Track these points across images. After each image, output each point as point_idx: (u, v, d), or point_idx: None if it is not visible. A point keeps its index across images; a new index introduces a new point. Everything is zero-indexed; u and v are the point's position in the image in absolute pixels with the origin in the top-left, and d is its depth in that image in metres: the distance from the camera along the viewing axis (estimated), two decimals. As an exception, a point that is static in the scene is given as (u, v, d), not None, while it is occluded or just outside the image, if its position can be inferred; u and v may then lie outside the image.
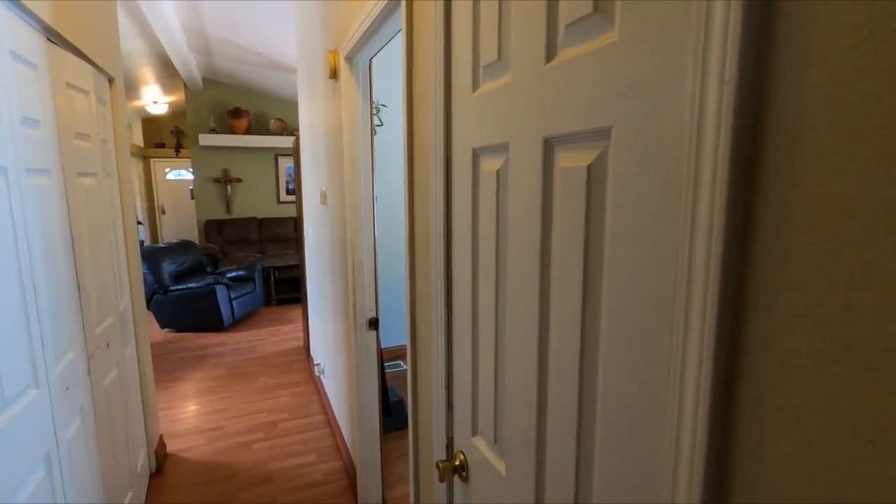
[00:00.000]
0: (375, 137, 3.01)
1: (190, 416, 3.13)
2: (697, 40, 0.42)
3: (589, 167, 0.59)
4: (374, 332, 2.05)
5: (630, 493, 0.56)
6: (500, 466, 0.86)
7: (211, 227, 6.75)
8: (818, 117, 0.35)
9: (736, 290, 0.42)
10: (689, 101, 0.44)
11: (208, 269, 5.33)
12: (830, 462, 0.35)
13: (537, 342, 0.72)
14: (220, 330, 4.79)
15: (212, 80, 6.52)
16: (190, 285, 4.65)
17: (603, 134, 0.56)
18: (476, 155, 0.88)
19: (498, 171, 0.80)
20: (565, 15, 0.62)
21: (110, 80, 2.14)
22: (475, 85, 0.86)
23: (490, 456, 0.90)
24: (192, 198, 7.39)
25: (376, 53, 1.80)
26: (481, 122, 0.84)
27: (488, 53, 0.80)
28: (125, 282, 2.19)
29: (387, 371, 2.99)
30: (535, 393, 0.73)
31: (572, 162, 0.62)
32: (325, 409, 3.12)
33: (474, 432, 0.97)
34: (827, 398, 0.35)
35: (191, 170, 7.04)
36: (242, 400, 3.34)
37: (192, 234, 7.50)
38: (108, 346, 1.84)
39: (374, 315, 2.02)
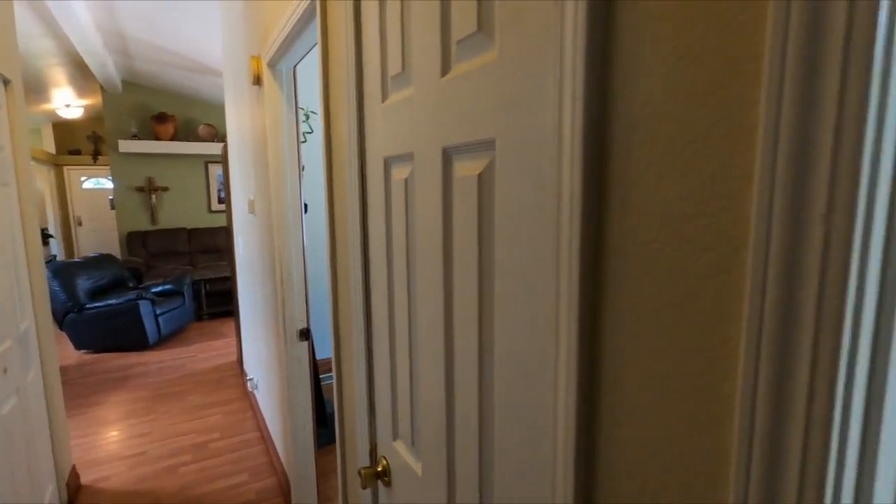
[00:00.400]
0: (306, 144, 2.96)
1: (109, 442, 2.91)
2: (555, 62, 0.47)
3: (479, 176, 0.63)
4: (306, 342, 2.01)
5: (524, 485, 0.59)
6: (418, 468, 0.88)
7: (134, 240, 6.33)
8: (645, 132, 0.40)
9: (594, 283, 0.46)
10: (552, 116, 0.48)
11: (130, 284, 4.99)
12: (654, 385, 0.40)
13: (444, 343, 0.74)
14: (145, 348, 4.49)
15: (132, 83, 6.14)
16: (109, 302, 4.33)
17: (490, 145, 0.60)
18: (387, 164, 0.90)
19: (406, 180, 0.83)
20: (457, 31, 0.65)
21: (5, 82, 1.97)
22: (384, 95, 0.88)
23: (409, 458, 0.92)
24: (113, 208, 6.90)
25: (300, 60, 1.78)
26: (390, 132, 0.87)
27: (394, 65, 0.83)
28: (27, 301, 2.02)
29: (323, 382, 2.93)
30: (443, 393, 0.76)
31: (467, 171, 0.66)
32: (260, 425, 3.01)
33: (395, 436, 0.98)
34: (650, 351, 0.40)
35: (110, 178, 6.57)
36: (169, 421, 3.15)
37: (113, 248, 6.99)
38: (4, 371, 1.69)
39: (304, 325, 1.99)
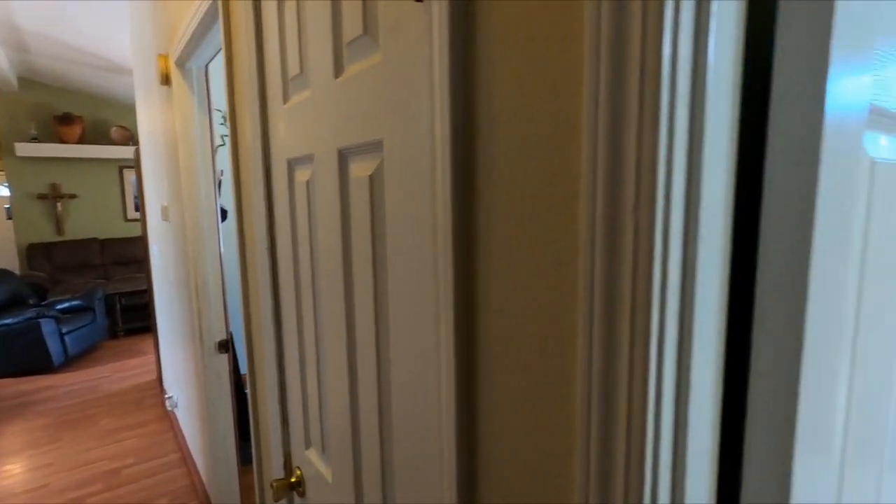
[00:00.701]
0: (225, 148, 2.83)
1: (2, 478, 2.61)
2: (427, 66, 0.48)
3: (370, 177, 0.63)
4: (226, 355, 1.91)
5: (419, 480, 0.60)
6: (329, 474, 0.87)
7: (36, 252, 5.75)
8: (504, 133, 0.42)
9: (467, 281, 0.48)
10: (426, 118, 0.49)
11: (31, 301, 4.53)
12: (520, 372, 0.42)
13: (346, 347, 0.74)
14: (50, 371, 4.09)
15: (31, 81, 5.59)
16: (5, 321, 3.90)
17: (379, 146, 0.61)
18: (291, 166, 0.88)
19: (307, 182, 0.82)
20: (346, 33, 0.65)
21: None
22: (286, 96, 0.87)
23: (321, 466, 0.90)
24: (9, 217, 6.24)
25: (212, 59, 1.71)
26: (292, 134, 0.85)
27: (293, 66, 0.82)
28: None
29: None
30: (347, 393, 0.75)
31: (360, 172, 0.66)
32: (181, 446, 2.83)
33: (307, 445, 0.96)
34: (516, 343, 0.42)
35: (6, 185, 5.93)
36: (77, 449, 2.88)
37: (10, 262, 6.30)
38: None
39: (223, 337, 1.89)
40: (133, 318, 5.12)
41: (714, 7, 0.29)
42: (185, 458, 2.70)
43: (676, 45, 0.29)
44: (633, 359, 0.32)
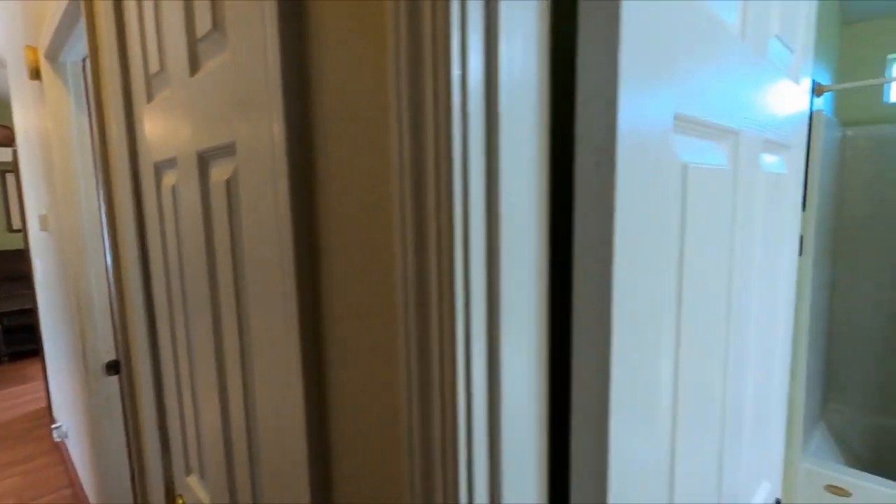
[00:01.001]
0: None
1: None
2: (266, 65, 0.46)
3: (227, 181, 0.59)
4: (116, 376, 1.75)
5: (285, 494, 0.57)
6: (207, 499, 0.81)
7: None
8: (333, 146, 0.41)
9: (312, 289, 0.46)
10: (266, 119, 0.47)
11: None
12: (359, 373, 0.41)
13: (215, 364, 0.69)
14: (-90, 407, 3.54)
15: None
16: None
17: (232, 149, 0.57)
18: (158, 170, 0.81)
19: (173, 187, 0.76)
20: (199, 28, 0.61)
21: None
22: (149, 95, 0.80)
23: (201, 492, 0.84)
24: None
25: (90, 54, 1.56)
26: (157, 135, 0.79)
27: (154, 62, 0.75)
28: None
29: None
30: (219, 417, 0.70)
31: (219, 176, 0.62)
32: (72, 480, 2.55)
33: (188, 471, 0.89)
34: (355, 349, 0.41)
35: None
36: (-59, 495, 2.51)
37: None
38: None
39: (113, 357, 1.73)
40: (19, 340, 4.57)
41: (503, 7, 0.30)
42: (78, 494, 2.44)
43: (465, 49, 0.29)
44: (444, 361, 0.31)
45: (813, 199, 1.82)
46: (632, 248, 0.36)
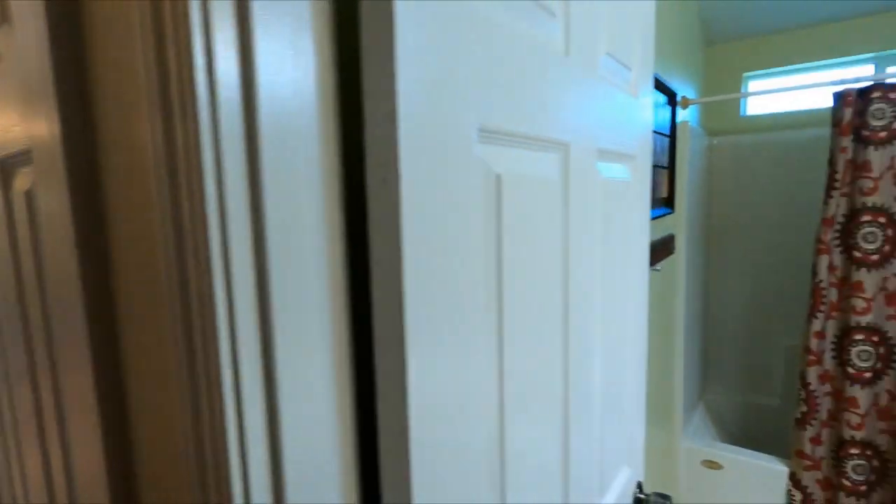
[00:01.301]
0: None
1: None
2: (41, 61, 0.41)
3: (27, 193, 0.52)
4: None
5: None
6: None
7: None
8: (112, 151, 0.37)
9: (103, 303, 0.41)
10: (46, 121, 0.42)
11: None
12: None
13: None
14: None
15: None
16: None
17: (30, 157, 0.50)
18: None
19: (-20, 199, 0.66)
20: (-9, 19, 0.53)
21: None
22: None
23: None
24: None
25: None
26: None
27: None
28: None
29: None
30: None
31: (21, 186, 0.54)
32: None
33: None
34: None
35: None
36: None
37: None
38: None
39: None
40: None
41: (255, 7, 0.28)
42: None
43: (212, 52, 0.27)
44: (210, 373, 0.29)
45: (682, 200, 2.01)
46: (429, 259, 0.36)
